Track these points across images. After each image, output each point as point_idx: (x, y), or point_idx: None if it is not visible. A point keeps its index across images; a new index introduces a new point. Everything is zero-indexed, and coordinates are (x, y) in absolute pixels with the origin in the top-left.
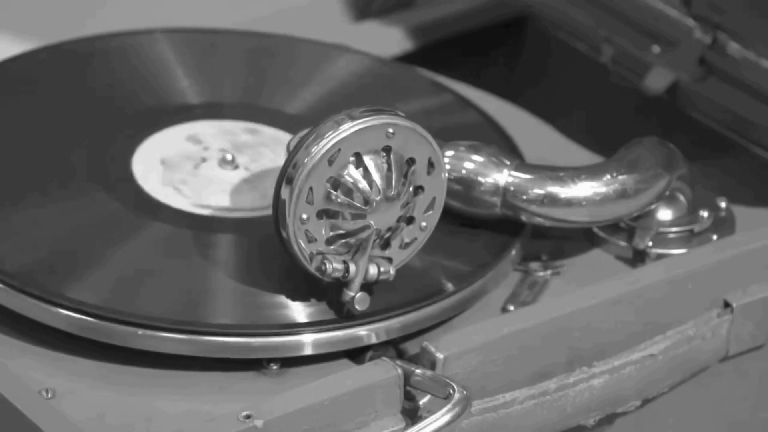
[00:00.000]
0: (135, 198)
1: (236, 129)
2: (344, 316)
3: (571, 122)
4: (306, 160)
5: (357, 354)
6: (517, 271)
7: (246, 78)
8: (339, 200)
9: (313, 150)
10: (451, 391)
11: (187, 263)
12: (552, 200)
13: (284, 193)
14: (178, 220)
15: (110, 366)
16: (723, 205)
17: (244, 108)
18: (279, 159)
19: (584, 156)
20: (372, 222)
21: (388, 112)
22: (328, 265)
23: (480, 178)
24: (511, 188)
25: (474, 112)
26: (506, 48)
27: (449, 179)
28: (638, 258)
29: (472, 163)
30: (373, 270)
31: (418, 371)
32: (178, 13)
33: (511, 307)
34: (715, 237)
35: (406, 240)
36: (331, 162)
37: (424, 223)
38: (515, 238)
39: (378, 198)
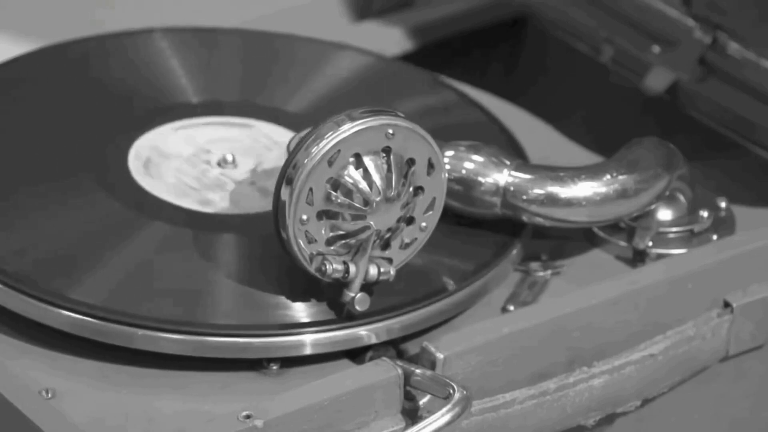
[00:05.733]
0: (135, 198)
1: (238, 129)
2: (344, 316)
3: (571, 122)
4: (306, 160)
5: (357, 354)
6: (517, 271)
7: (246, 77)
8: (339, 201)
9: (312, 151)
10: (451, 391)
11: (187, 263)
12: (552, 200)
13: (284, 193)
14: (178, 220)
15: (110, 366)
16: (723, 205)
17: (244, 107)
18: (280, 160)
19: (584, 156)
20: (372, 223)
21: (388, 112)
22: (328, 266)
23: (480, 178)
24: (511, 188)
25: (475, 112)
26: (506, 48)
27: (449, 179)
28: (638, 258)
29: (472, 163)
30: (373, 270)
31: (418, 371)
32: (178, 13)
33: (511, 307)
34: (715, 237)
35: (406, 240)
36: (330, 163)
37: (424, 224)
38: (515, 238)
39: (378, 199)
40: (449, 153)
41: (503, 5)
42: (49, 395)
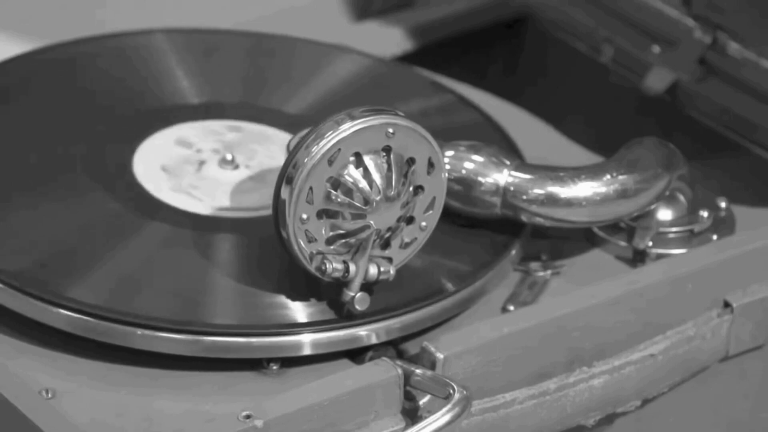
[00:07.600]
0: (135, 198)
1: (220, 128)
2: (344, 316)
3: (571, 122)
4: (306, 159)
5: (357, 354)
6: (517, 271)
7: (246, 78)
8: (339, 200)
9: (313, 150)
10: (451, 391)
11: (187, 263)
12: (552, 200)
13: (284, 192)
14: (178, 220)
15: (110, 366)
16: (723, 205)
17: (244, 108)
18: (272, 156)
19: (584, 156)
20: (372, 222)
21: (388, 111)
22: (328, 265)
23: (480, 178)
24: (511, 188)
25: (474, 112)
26: (506, 48)
27: (449, 179)
28: (638, 258)
29: (472, 163)
30: (373, 270)
31: (418, 371)
32: (178, 13)
33: (511, 307)
34: (715, 237)
35: (406, 240)
36: (331, 162)
37: (424, 223)
38: (515, 238)
39: (378, 198)
40: (449, 153)
41: (503, 5)
42: (49, 395)
